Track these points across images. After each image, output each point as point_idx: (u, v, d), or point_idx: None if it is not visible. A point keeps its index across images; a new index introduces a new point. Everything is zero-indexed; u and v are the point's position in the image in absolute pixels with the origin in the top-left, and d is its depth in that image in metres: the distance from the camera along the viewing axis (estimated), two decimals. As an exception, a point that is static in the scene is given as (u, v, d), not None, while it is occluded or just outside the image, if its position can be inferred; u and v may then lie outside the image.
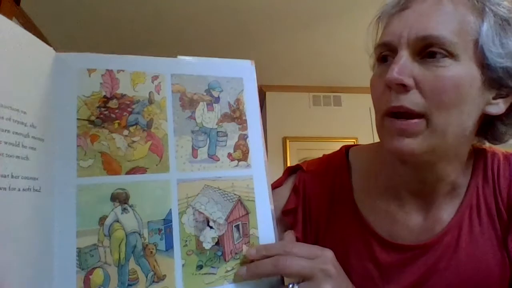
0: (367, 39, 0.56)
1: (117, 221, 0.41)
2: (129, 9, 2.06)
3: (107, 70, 0.44)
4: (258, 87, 0.52)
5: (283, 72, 2.84)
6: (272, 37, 2.37)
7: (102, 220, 0.40)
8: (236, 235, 0.46)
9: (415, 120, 0.46)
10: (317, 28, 2.28)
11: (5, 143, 0.34)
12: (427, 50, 0.45)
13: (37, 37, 0.39)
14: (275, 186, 0.64)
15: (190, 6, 2.05)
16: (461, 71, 0.45)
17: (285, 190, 0.63)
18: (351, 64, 2.58)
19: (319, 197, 0.61)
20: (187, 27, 2.25)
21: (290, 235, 0.48)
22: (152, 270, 0.41)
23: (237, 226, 0.46)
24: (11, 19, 1.88)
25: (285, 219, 0.61)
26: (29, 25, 2.01)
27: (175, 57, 0.48)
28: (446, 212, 0.54)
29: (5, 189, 0.34)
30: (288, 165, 2.78)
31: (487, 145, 0.56)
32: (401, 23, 0.48)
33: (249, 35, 2.34)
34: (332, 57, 2.60)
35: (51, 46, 0.41)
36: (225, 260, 0.45)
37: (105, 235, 0.40)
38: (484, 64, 0.46)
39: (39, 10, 2.01)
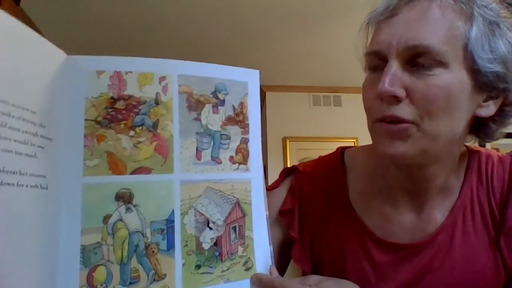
0: (357, 44, 0.55)
1: (121, 220, 0.42)
2: (129, 9, 2.03)
3: (115, 71, 0.44)
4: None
5: (283, 72, 2.82)
6: (272, 37, 2.35)
7: (106, 218, 0.41)
8: (232, 236, 0.48)
9: (405, 124, 0.46)
10: (317, 28, 2.26)
11: (15, 141, 0.35)
12: (417, 59, 0.45)
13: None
14: (272, 187, 0.65)
15: (190, 7, 2.02)
16: (452, 79, 0.45)
17: (282, 191, 0.64)
18: (351, 64, 2.54)
19: (315, 198, 0.62)
20: (187, 28, 2.22)
21: (275, 271, 0.49)
22: (153, 269, 0.42)
23: (234, 228, 0.48)
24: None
25: (282, 219, 0.62)
26: (29, 25, 1.97)
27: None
28: (440, 212, 0.55)
29: (13, 185, 0.34)
30: (288, 165, 2.82)
31: (488, 146, 0.58)
32: (390, 31, 0.47)
33: (250, 35, 2.32)
34: (332, 57, 2.59)
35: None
36: (221, 260, 0.46)
37: (108, 234, 0.41)
38: (473, 69, 0.46)
39: (39, 10, 1.98)
